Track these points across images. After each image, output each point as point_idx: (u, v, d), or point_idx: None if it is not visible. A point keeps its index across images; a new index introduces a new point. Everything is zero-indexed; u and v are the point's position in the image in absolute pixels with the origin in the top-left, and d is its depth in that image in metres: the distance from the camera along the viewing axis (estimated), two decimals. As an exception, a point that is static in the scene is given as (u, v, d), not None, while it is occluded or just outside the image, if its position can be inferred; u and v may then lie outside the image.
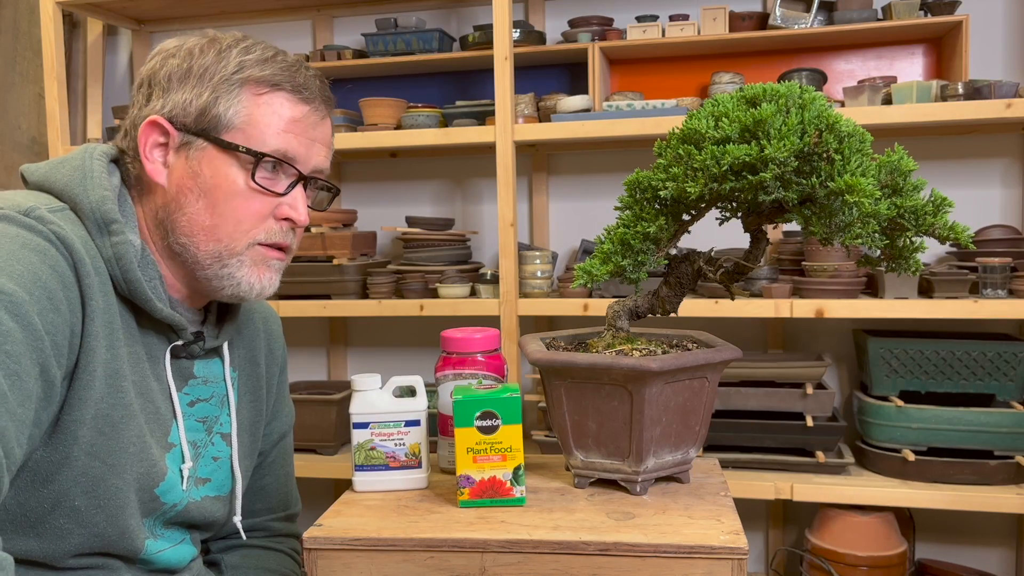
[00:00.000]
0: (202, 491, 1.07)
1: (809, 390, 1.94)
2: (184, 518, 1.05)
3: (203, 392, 1.08)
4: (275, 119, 0.98)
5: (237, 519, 1.13)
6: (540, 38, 2.23)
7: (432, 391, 1.13)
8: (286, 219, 1.01)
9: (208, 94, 0.97)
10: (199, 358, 1.08)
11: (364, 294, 2.22)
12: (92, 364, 0.92)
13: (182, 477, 1.03)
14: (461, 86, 2.42)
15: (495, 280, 2.14)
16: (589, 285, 0.99)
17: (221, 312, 1.12)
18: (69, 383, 0.91)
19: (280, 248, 1.03)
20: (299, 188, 1.01)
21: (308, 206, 1.04)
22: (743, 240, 1.06)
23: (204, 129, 0.97)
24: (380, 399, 1.04)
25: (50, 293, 0.87)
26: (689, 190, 0.91)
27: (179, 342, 1.03)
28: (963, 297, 1.85)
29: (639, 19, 2.16)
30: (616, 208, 1.02)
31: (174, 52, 1.00)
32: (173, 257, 1.01)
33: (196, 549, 1.11)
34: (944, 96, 1.88)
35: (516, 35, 2.18)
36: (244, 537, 1.17)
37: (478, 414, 0.95)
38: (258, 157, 0.97)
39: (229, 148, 0.97)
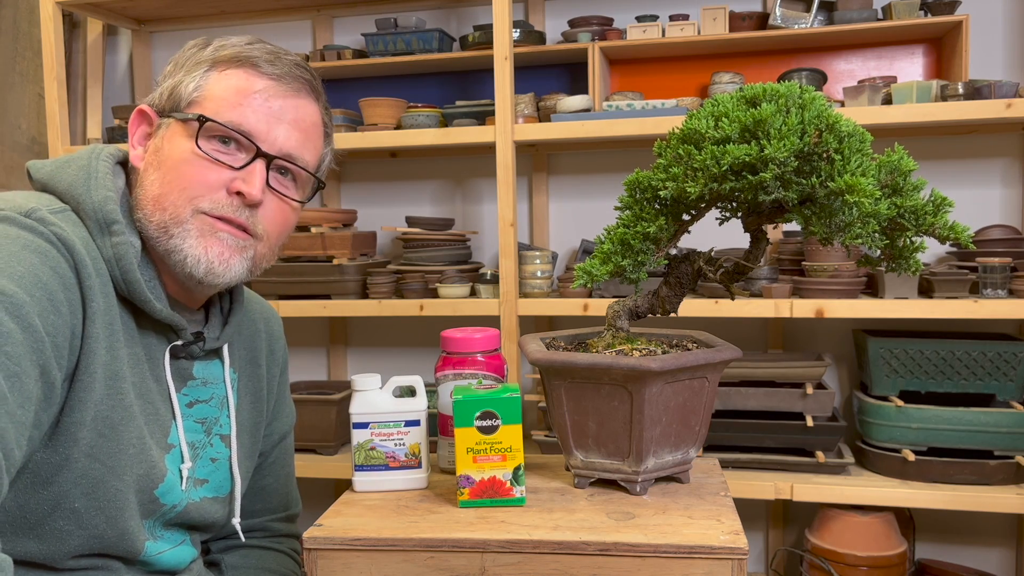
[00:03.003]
0: (200, 492, 1.07)
1: (809, 390, 1.94)
2: (184, 519, 1.05)
3: (202, 393, 1.08)
4: (231, 92, 0.98)
5: (236, 521, 1.13)
6: (540, 38, 2.23)
7: (432, 391, 1.13)
8: (238, 193, 0.97)
9: (178, 78, 1.00)
10: (199, 359, 1.08)
11: (364, 294, 2.22)
12: (92, 366, 0.91)
13: (181, 478, 1.03)
14: (461, 86, 2.42)
15: (495, 280, 2.14)
16: (589, 285, 0.99)
17: (222, 313, 1.12)
18: (69, 385, 0.91)
19: (230, 222, 0.97)
20: (258, 165, 0.97)
21: (278, 191, 1.00)
22: (743, 240, 1.06)
23: (171, 109, 0.99)
24: (380, 399, 1.04)
25: (51, 294, 0.87)
26: (689, 190, 0.91)
27: (179, 342, 1.03)
28: (963, 297, 1.85)
29: (639, 19, 2.16)
30: (616, 208, 1.02)
31: (177, 55, 1.04)
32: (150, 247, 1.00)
33: (196, 551, 1.11)
34: (944, 96, 1.88)
35: (516, 35, 2.18)
36: (243, 539, 1.17)
37: (478, 414, 0.95)
38: (201, 121, 0.96)
39: (182, 119, 0.98)
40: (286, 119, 0.99)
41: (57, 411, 0.90)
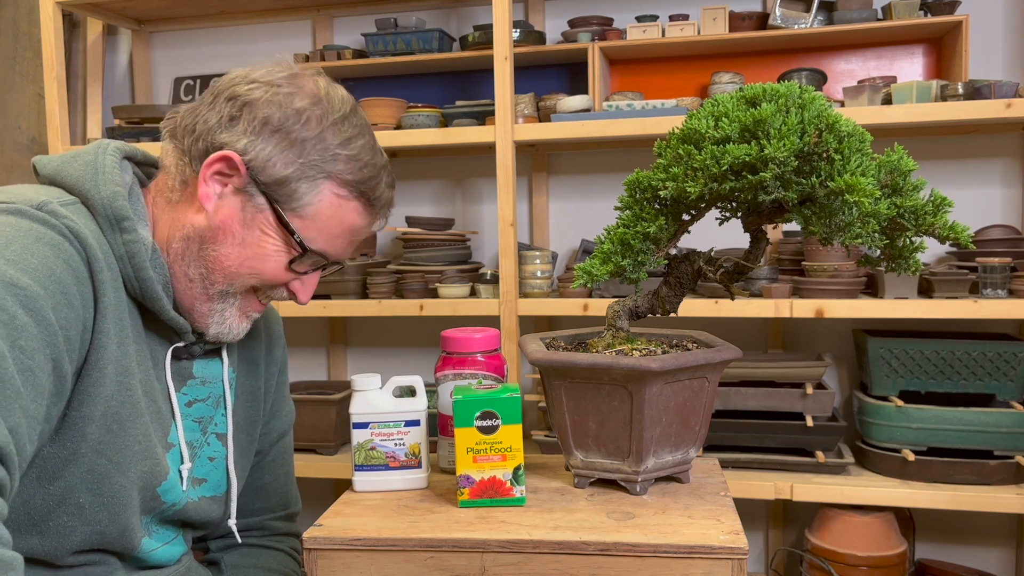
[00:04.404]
0: (199, 491, 1.08)
1: (809, 390, 1.94)
2: (181, 516, 1.06)
3: (200, 392, 1.08)
4: (335, 224, 1.00)
5: (231, 522, 1.13)
6: (540, 38, 2.23)
7: (432, 391, 1.13)
8: (290, 289, 1.04)
9: (293, 169, 0.96)
10: (199, 358, 1.08)
11: (364, 294, 2.22)
12: (103, 361, 0.92)
13: (181, 477, 1.04)
14: (461, 86, 2.42)
15: (495, 280, 2.14)
16: (589, 285, 0.99)
17: None
18: (77, 379, 0.91)
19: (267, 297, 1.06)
20: (318, 273, 1.05)
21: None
22: (743, 240, 1.06)
23: (274, 197, 0.97)
24: (380, 399, 1.04)
25: (64, 288, 0.87)
26: (689, 190, 0.91)
27: (181, 343, 1.04)
28: (963, 297, 1.85)
29: (639, 19, 2.16)
30: (616, 208, 1.02)
31: (279, 101, 0.96)
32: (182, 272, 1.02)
33: (187, 546, 1.11)
34: (944, 96, 1.88)
35: (516, 35, 2.18)
36: (239, 539, 1.17)
37: (478, 414, 0.95)
38: (303, 252, 0.99)
39: (285, 228, 0.98)
40: (360, 239, 1.06)
41: (65, 405, 0.90)
